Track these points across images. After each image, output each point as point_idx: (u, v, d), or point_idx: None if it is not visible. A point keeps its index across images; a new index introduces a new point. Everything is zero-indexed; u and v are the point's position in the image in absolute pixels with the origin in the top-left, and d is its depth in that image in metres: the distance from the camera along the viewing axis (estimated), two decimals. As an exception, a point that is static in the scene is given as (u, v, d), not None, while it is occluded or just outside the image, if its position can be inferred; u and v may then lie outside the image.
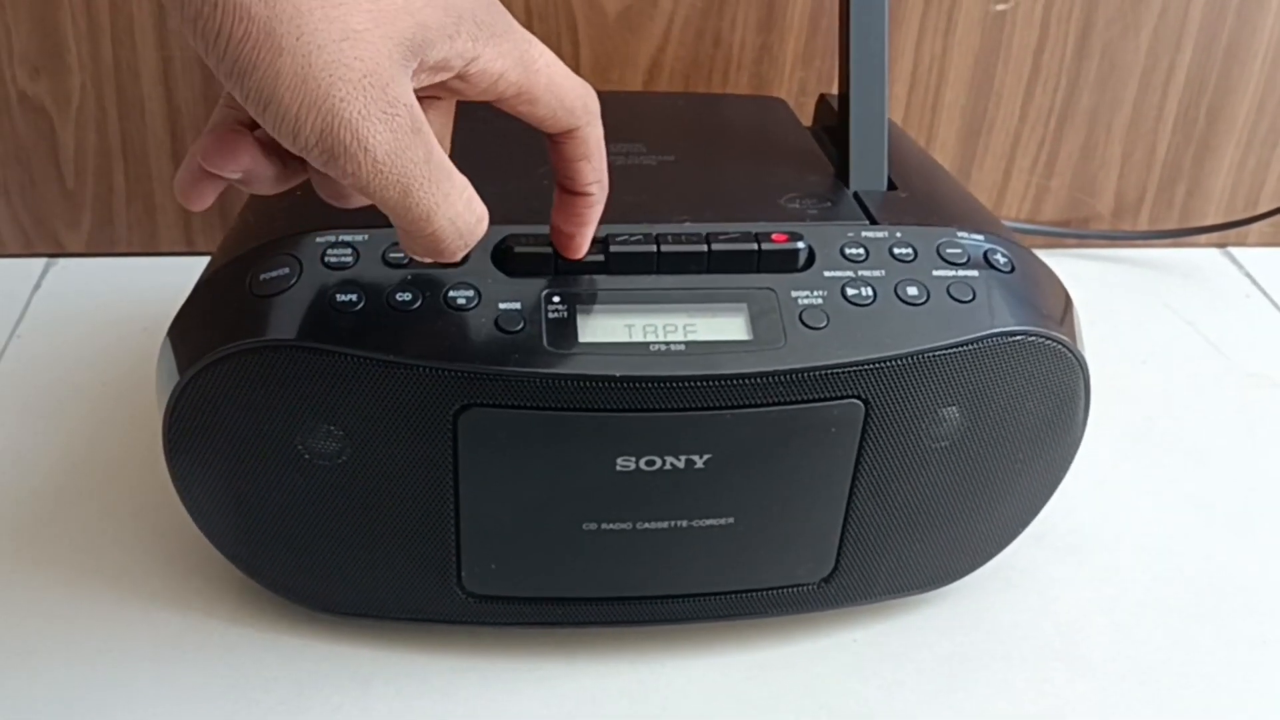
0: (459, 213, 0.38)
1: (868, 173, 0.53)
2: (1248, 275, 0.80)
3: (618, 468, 0.44)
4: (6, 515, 0.56)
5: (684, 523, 0.46)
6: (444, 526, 0.46)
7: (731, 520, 0.47)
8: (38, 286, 0.73)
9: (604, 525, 0.46)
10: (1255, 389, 0.69)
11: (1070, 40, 0.74)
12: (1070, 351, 0.47)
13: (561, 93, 0.41)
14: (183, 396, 0.44)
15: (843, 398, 0.44)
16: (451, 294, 0.44)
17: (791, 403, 0.44)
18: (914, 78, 0.74)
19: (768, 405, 0.44)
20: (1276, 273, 0.80)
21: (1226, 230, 0.80)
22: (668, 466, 0.44)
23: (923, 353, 0.44)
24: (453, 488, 0.45)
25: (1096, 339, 0.53)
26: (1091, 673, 0.51)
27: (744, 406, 0.43)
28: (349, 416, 0.44)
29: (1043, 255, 0.79)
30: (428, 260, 0.40)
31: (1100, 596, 0.55)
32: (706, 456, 0.44)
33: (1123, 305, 0.77)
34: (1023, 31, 0.73)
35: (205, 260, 0.51)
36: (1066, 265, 0.79)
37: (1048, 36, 0.74)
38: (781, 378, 0.43)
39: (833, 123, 0.60)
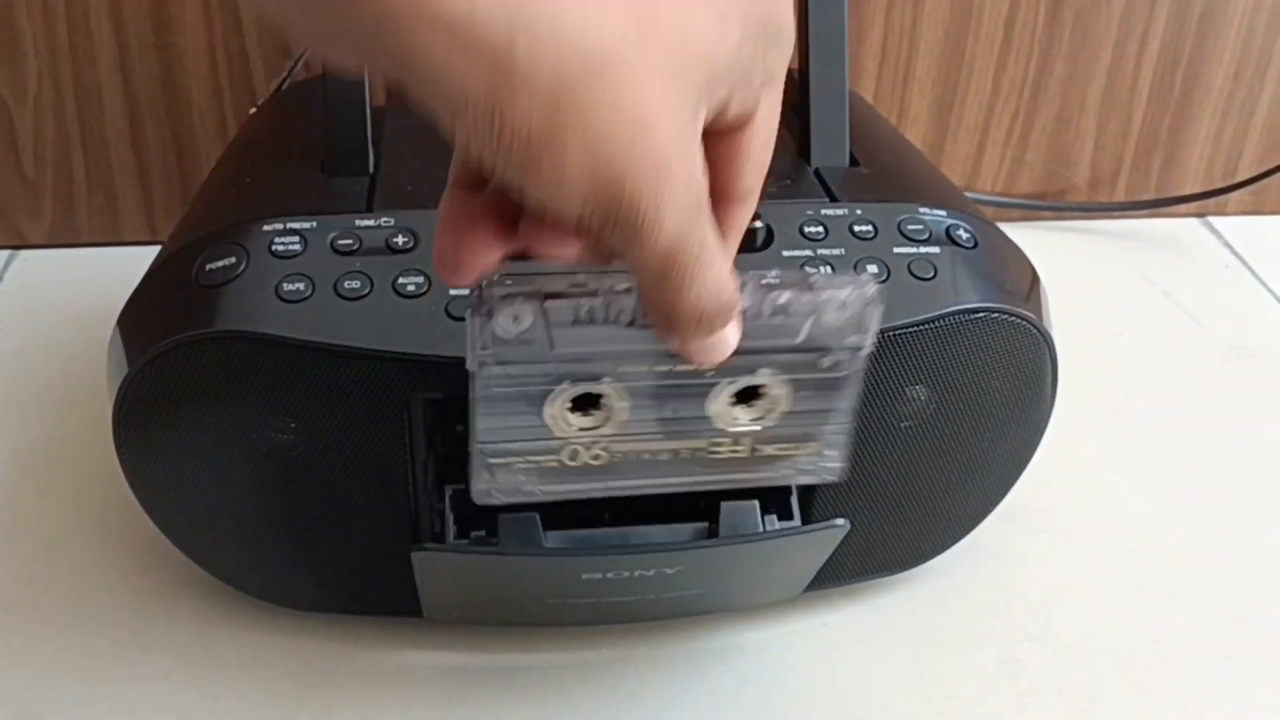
0: (701, 295, 0.32)
1: (829, 149, 0.52)
2: (1227, 245, 0.79)
3: (583, 578, 0.43)
4: (-35, 512, 0.55)
5: (651, 596, 0.45)
6: (400, 519, 0.45)
7: (703, 591, 0.46)
8: (0, 279, 0.72)
9: (567, 600, 0.46)
10: (1233, 361, 0.69)
11: (1042, 9, 0.73)
12: (1036, 328, 0.46)
13: (766, 154, 0.35)
14: (130, 389, 0.43)
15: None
16: (401, 280, 0.43)
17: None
18: (884, 50, 0.73)
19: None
20: (1255, 242, 0.80)
21: (1205, 200, 0.79)
22: (635, 575, 0.43)
23: (883, 331, 0.44)
24: (409, 479, 0.44)
25: (1072, 311, 0.52)
26: (1064, 653, 0.50)
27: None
28: (299, 406, 0.43)
29: (1019, 228, 0.79)
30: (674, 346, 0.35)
31: (1073, 575, 0.54)
32: (677, 568, 0.43)
33: (1099, 277, 0.76)
34: (993, 1, 0.72)
35: (169, 250, 0.51)
36: (1043, 238, 0.79)
37: (1019, 6, 0.72)
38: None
39: (794, 98, 0.59)
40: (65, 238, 0.74)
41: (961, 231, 0.47)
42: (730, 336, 0.35)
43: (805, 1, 0.53)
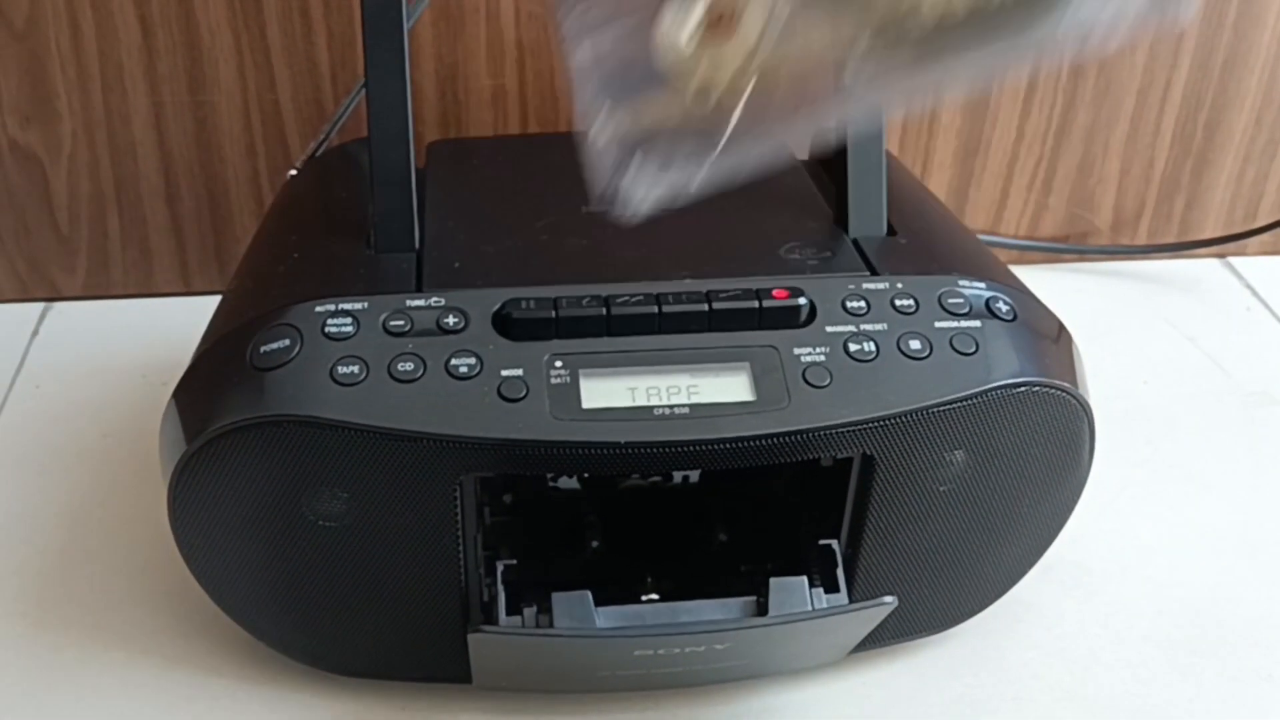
0: None
1: (866, 219, 0.52)
2: (1248, 286, 0.80)
3: (634, 654, 0.44)
4: (12, 575, 0.56)
5: (699, 666, 0.46)
6: (450, 591, 0.46)
7: (748, 661, 0.47)
8: (35, 333, 0.72)
9: (617, 671, 0.46)
10: (1257, 408, 0.69)
11: (1066, 59, 0.73)
12: (1074, 397, 0.47)
13: None
14: (186, 469, 0.44)
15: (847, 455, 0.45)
16: (454, 362, 0.44)
17: (794, 461, 0.44)
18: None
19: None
20: (1276, 284, 0.80)
21: (1226, 244, 0.80)
22: (685, 650, 0.44)
23: (927, 408, 0.44)
24: (459, 552, 0.45)
25: (1097, 359, 0.53)
26: (1101, 713, 0.51)
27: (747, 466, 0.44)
28: (352, 482, 0.44)
29: (1042, 270, 0.80)
30: None
31: (1107, 631, 0.55)
32: (726, 644, 0.44)
33: (1123, 322, 0.76)
34: (1018, 52, 0.73)
35: (202, 301, 0.51)
36: (1066, 280, 0.80)
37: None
38: (786, 439, 0.43)
39: (828, 155, 0.60)
40: (99, 290, 0.75)
41: (1001, 304, 0.48)
42: None
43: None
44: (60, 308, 0.75)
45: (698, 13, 0.32)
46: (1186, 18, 0.32)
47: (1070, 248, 0.80)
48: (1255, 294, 0.79)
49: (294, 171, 0.60)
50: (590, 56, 0.33)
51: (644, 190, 0.35)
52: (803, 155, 0.64)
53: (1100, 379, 0.52)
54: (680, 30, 0.32)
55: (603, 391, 0.44)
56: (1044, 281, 0.53)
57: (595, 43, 0.33)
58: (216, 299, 0.51)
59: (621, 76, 0.33)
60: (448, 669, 0.48)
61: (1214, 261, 0.82)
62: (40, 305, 0.75)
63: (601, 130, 0.34)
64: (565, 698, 0.50)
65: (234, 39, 0.68)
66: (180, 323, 0.61)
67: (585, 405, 0.43)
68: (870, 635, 0.50)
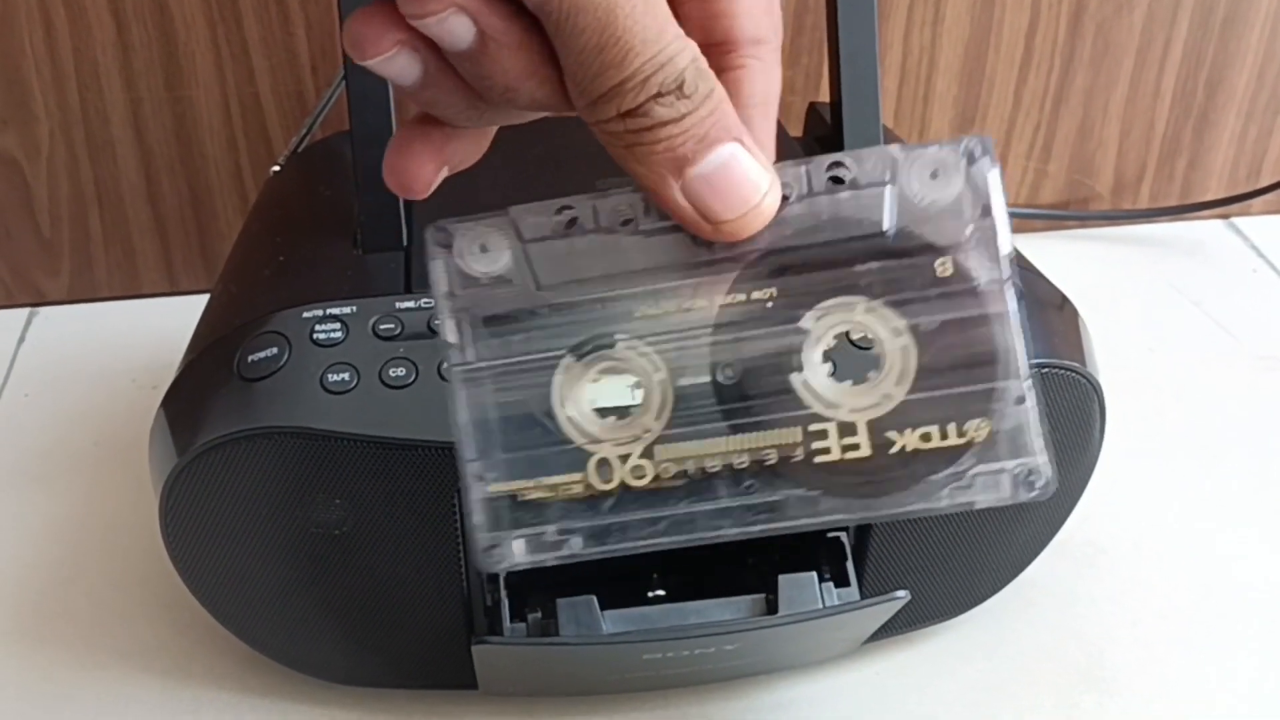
0: (667, 56, 0.27)
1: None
2: (1253, 247, 0.79)
3: (643, 658, 0.43)
4: (5, 590, 0.55)
5: (709, 665, 0.45)
6: (453, 597, 0.45)
7: (759, 658, 0.46)
8: (22, 339, 0.71)
9: (625, 675, 0.46)
10: (1266, 373, 0.68)
11: (1062, 22, 0.72)
12: (1084, 377, 0.46)
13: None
14: (176, 483, 0.43)
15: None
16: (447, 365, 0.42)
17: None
18: (904, 70, 0.72)
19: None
20: (1281, 244, 0.79)
21: (1229, 205, 0.79)
22: (694, 652, 0.43)
23: (935, 394, 0.43)
24: (460, 559, 0.44)
25: (1102, 327, 0.51)
26: (1118, 695, 0.50)
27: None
28: (349, 493, 0.43)
29: (1043, 238, 0.79)
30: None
31: (1122, 610, 0.54)
32: (735, 644, 0.43)
33: (1127, 288, 0.75)
34: (1013, 15, 0.71)
35: (189, 301, 0.50)
36: (1067, 247, 0.79)
37: (1039, 19, 0.72)
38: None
39: (824, 133, 0.58)
40: (84, 293, 0.73)
41: (1007, 284, 0.46)
42: (751, 173, 0.28)
43: (835, 38, 0.52)
44: (46, 312, 0.73)
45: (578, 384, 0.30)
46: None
47: (1071, 214, 0.79)
48: (1261, 255, 0.78)
49: (276, 168, 0.59)
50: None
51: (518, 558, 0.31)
52: (795, 131, 0.63)
53: (1105, 347, 0.51)
54: None
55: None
56: (1045, 249, 0.52)
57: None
58: (203, 298, 0.50)
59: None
60: (453, 676, 0.47)
61: (1218, 223, 0.81)
62: (26, 311, 0.73)
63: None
64: (574, 700, 0.49)
65: (210, 31, 0.66)
66: (167, 323, 0.60)
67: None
68: (883, 625, 0.49)
